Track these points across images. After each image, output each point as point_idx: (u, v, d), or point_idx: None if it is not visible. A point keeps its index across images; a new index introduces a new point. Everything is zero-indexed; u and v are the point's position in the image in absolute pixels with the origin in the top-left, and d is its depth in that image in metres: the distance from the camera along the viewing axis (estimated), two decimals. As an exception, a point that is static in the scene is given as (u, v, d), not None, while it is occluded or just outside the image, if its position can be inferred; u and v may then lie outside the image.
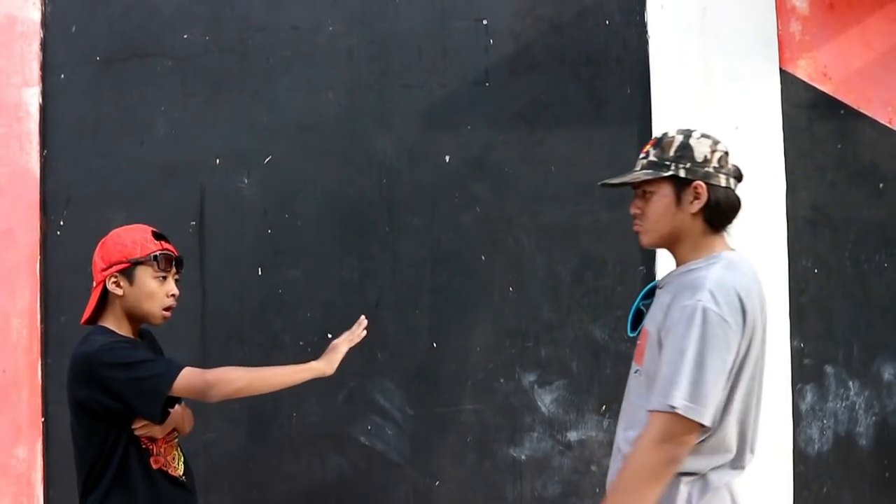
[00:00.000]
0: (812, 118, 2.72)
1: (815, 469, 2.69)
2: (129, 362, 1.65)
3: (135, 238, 1.76)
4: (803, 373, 2.65)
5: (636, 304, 1.74)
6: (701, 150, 1.58)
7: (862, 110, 2.72)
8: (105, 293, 1.75)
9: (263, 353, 2.66)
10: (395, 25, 2.72)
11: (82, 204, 2.65)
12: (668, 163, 1.59)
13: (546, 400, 2.69)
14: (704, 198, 1.56)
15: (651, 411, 1.48)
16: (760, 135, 2.69)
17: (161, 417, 1.69)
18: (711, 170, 1.58)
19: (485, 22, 2.73)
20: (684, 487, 1.52)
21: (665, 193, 1.60)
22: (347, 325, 2.65)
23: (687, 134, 1.61)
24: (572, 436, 2.68)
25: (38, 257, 2.62)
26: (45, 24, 2.67)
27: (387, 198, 2.70)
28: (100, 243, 1.79)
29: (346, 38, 2.71)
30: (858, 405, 2.70)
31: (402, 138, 2.71)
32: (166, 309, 1.79)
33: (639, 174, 1.62)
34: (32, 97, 2.64)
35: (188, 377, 1.68)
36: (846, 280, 2.72)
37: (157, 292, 1.76)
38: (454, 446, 2.69)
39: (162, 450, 1.77)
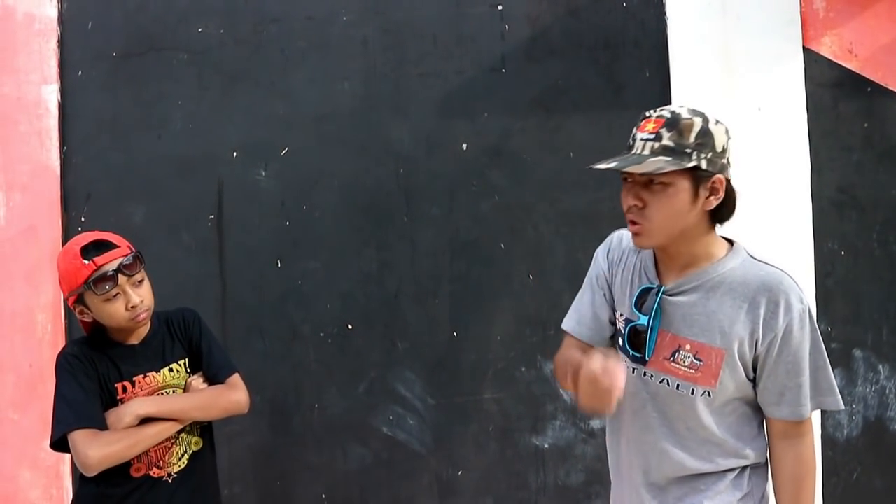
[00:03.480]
0: (837, 97, 2.66)
1: (845, 455, 2.65)
2: (56, 391, 1.69)
3: (67, 267, 1.67)
4: (831, 357, 2.55)
5: (649, 322, 1.48)
6: (720, 138, 1.39)
7: (890, 87, 2.66)
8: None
9: (283, 344, 2.67)
10: (410, 13, 2.70)
11: (102, 199, 2.67)
12: (689, 151, 1.36)
13: (568, 388, 2.67)
14: (721, 194, 1.39)
15: (795, 421, 1.46)
16: (784, 115, 2.63)
17: (57, 447, 1.70)
18: (727, 161, 1.42)
19: (500, 7, 2.70)
20: (749, 473, 1.54)
21: (683, 188, 1.37)
22: (367, 315, 2.67)
23: (705, 118, 1.39)
24: (594, 424, 2.66)
25: (61, 253, 2.65)
26: (62, 21, 2.68)
27: (404, 187, 2.69)
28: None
29: (361, 28, 2.70)
30: (889, 389, 2.66)
31: (419, 127, 2.70)
32: (134, 318, 1.71)
33: (655, 161, 1.35)
34: (51, 94, 2.66)
35: (73, 441, 1.64)
36: (874, 262, 2.66)
37: (114, 312, 1.68)
38: (476, 435, 2.68)
39: (151, 453, 1.75)
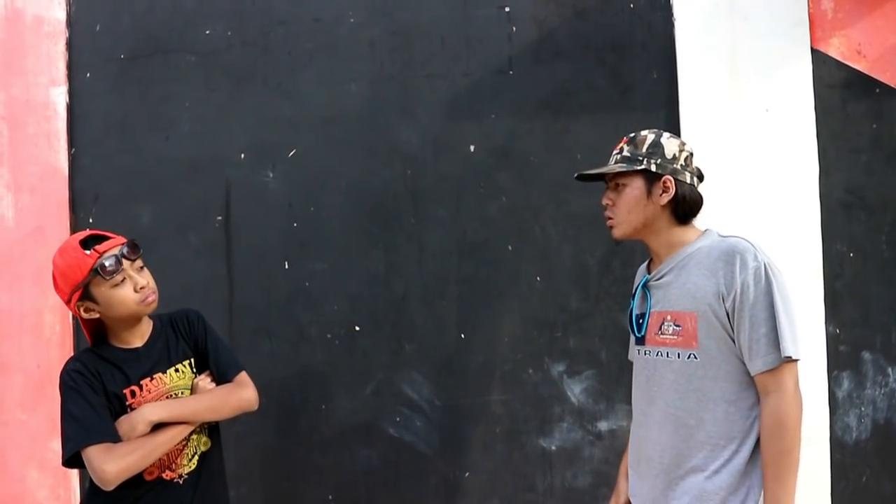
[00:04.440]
0: (845, 98, 2.66)
1: (853, 457, 2.63)
2: (62, 409, 1.69)
3: (68, 261, 1.67)
4: (839, 359, 2.60)
5: (634, 309, 1.81)
6: (670, 148, 1.72)
7: (898, 89, 2.65)
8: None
9: (290, 345, 2.67)
10: (417, 15, 2.70)
11: (110, 201, 2.68)
12: (640, 157, 1.72)
13: (575, 390, 2.66)
14: (672, 191, 1.70)
15: (768, 371, 1.55)
16: (792, 117, 2.63)
17: (70, 464, 1.68)
18: (679, 167, 1.72)
19: (507, 9, 2.70)
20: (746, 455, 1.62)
21: (637, 186, 1.73)
22: (374, 317, 2.67)
23: (658, 134, 1.75)
24: (602, 426, 2.65)
25: (69, 254, 2.66)
26: (71, 23, 2.69)
27: (412, 189, 2.69)
28: (52, 279, 1.73)
29: (368, 30, 2.70)
30: (897, 392, 2.64)
31: (426, 129, 2.70)
32: (144, 301, 1.71)
33: (613, 166, 1.76)
34: (59, 96, 2.67)
35: (87, 457, 1.63)
36: (883, 264, 2.65)
37: (124, 297, 1.69)
38: (483, 437, 2.68)
39: (163, 457, 1.74)
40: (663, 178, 1.71)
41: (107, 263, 1.65)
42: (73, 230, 2.65)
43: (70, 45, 2.69)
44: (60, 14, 2.69)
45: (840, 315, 2.62)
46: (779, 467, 1.53)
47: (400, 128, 2.70)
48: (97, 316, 1.72)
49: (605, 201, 1.80)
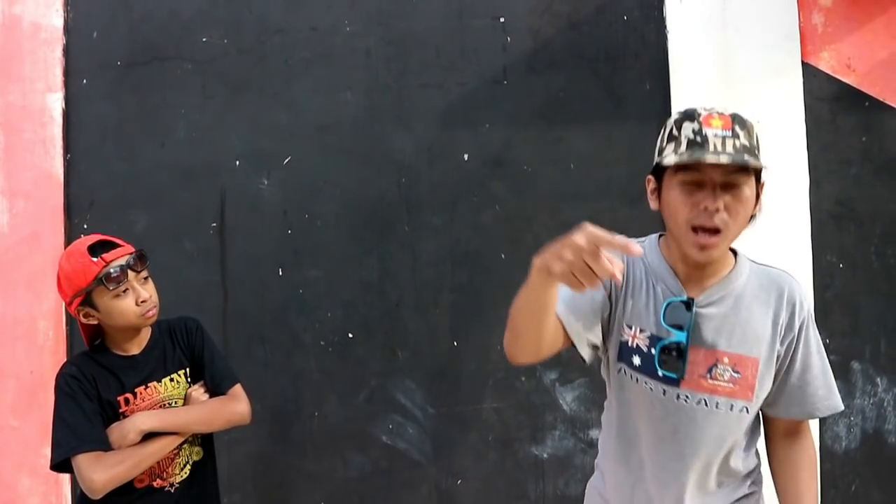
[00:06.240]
0: (836, 111, 2.69)
1: (843, 467, 2.65)
2: (55, 412, 1.69)
3: (74, 266, 1.67)
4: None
5: (687, 338, 1.37)
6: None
7: (887, 102, 2.68)
8: None
9: (284, 353, 2.68)
10: (413, 25, 2.72)
11: (105, 207, 2.68)
12: (757, 152, 1.28)
13: (567, 398, 2.68)
14: (761, 206, 1.34)
15: (801, 420, 1.47)
16: (783, 129, 2.65)
17: (58, 468, 1.69)
18: None
19: (502, 20, 2.72)
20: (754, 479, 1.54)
21: (751, 188, 1.29)
22: (368, 324, 2.68)
23: (752, 121, 1.32)
24: (594, 434, 2.66)
25: (63, 260, 2.66)
26: (68, 30, 2.70)
27: (406, 197, 2.71)
28: (56, 279, 1.73)
29: (364, 39, 2.72)
30: (887, 401, 2.66)
31: (421, 137, 2.71)
32: (144, 314, 1.72)
33: (748, 159, 1.23)
34: (56, 102, 2.68)
35: (77, 464, 1.63)
36: (872, 275, 2.68)
37: (125, 308, 1.69)
38: (476, 445, 2.69)
39: (154, 465, 1.74)
40: (762, 183, 1.33)
41: (112, 273, 1.66)
42: (68, 236, 2.65)
43: (67, 51, 2.70)
44: (57, 21, 2.69)
45: (830, 325, 2.64)
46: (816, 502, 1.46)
47: (394, 136, 2.71)
48: (96, 322, 1.73)
49: (716, 204, 1.25)
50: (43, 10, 2.69)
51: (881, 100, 2.68)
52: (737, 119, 1.28)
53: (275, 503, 2.67)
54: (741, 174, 1.25)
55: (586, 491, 1.73)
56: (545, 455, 2.68)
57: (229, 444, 2.61)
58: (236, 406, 1.85)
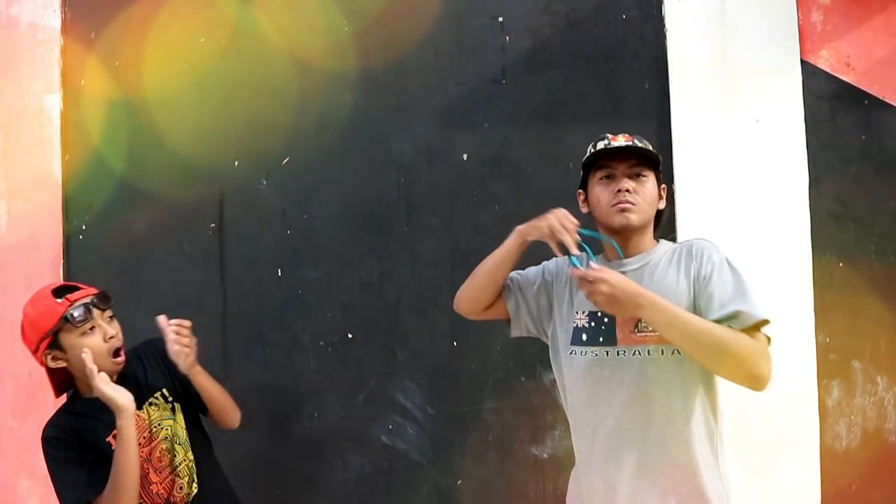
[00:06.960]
0: (835, 109, 2.68)
1: (843, 466, 2.65)
2: (51, 476, 1.69)
3: (39, 310, 1.68)
4: (829, 368, 2.61)
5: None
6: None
7: (887, 100, 2.68)
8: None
9: (284, 353, 2.67)
10: (411, 25, 2.71)
11: (103, 208, 2.67)
12: (654, 152, 1.72)
13: (567, 398, 2.67)
14: (664, 202, 1.76)
15: (740, 329, 1.53)
16: (782, 127, 2.65)
17: None
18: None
19: (500, 19, 2.72)
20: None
21: (653, 182, 1.72)
22: (367, 324, 2.67)
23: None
24: (594, 434, 2.65)
25: (61, 261, 2.65)
26: (65, 30, 2.70)
27: (405, 197, 2.70)
28: (21, 330, 1.73)
29: (363, 39, 2.71)
30: (887, 401, 2.66)
31: (420, 137, 2.71)
32: (114, 355, 1.72)
33: (642, 146, 1.70)
34: (54, 103, 2.67)
35: None
36: (872, 274, 2.67)
37: (93, 346, 1.68)
38: (476, 445, 2.68)
39: (160, 491, 1.74)
40: (662, 185, 1.76)
41: (76, 313, 1.67)
42: (66, 237, 2.65)
43: (65, 52, 2.69)
44: (55, 21, 2.69)
45: (830, 324, 2.64)
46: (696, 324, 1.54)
47: (393, 136, 2.71)
48: (64, 365, 1.71)
49: (625, 186, 1.67)
50: (40, 10, 2.69)
51: (881, 98, 2.68)
52: (637, 138, 1.73)
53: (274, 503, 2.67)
54: (642, 167, 1.69)
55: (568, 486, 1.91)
56: (545, 455, 2.68)
57: (228, 445, 2.60)
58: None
